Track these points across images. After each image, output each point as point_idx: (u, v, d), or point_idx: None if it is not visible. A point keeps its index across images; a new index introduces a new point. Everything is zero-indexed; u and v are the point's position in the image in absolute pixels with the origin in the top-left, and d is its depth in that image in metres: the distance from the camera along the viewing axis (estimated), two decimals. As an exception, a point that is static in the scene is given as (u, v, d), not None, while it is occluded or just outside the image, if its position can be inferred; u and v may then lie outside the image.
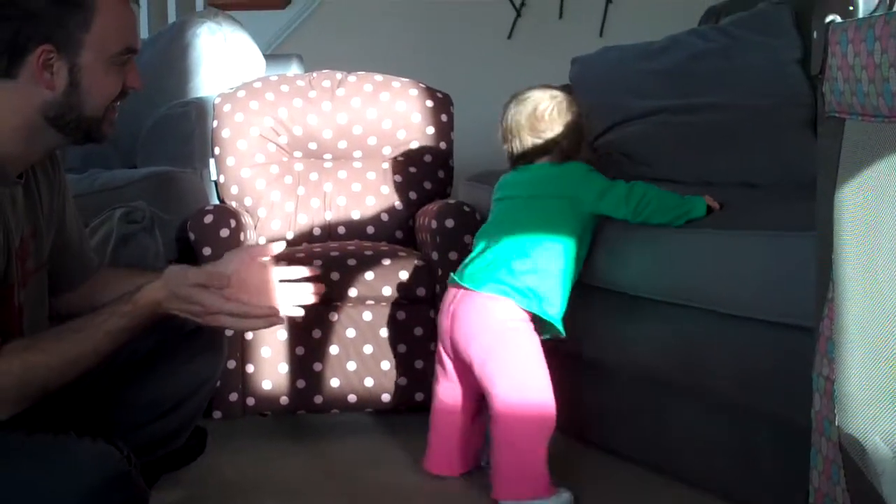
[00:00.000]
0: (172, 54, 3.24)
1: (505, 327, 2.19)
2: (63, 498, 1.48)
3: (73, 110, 1.66)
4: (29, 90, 1.62)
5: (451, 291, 2.26)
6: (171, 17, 4.73)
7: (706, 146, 2.72)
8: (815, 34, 1.49)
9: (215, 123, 3.02)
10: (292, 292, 1.90)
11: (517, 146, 2.36)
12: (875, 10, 1.47)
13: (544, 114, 2.34)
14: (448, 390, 2.30)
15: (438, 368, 2.32)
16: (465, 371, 2.23)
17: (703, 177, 2.65)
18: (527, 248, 2.22)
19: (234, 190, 2.99)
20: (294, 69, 3.58)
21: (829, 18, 1.45)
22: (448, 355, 2.27)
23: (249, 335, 2.62)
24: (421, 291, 2.64)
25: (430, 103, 3.08)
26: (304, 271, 1.97)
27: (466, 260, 2.30)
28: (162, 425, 1.92)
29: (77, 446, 1.53)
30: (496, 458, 2.17)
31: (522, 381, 2.16)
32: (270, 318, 1.82)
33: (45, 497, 1.49)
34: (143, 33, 4.73)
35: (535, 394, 2.16)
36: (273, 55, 3.76)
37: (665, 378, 2.31)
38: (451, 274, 2.29)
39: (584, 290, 2.50)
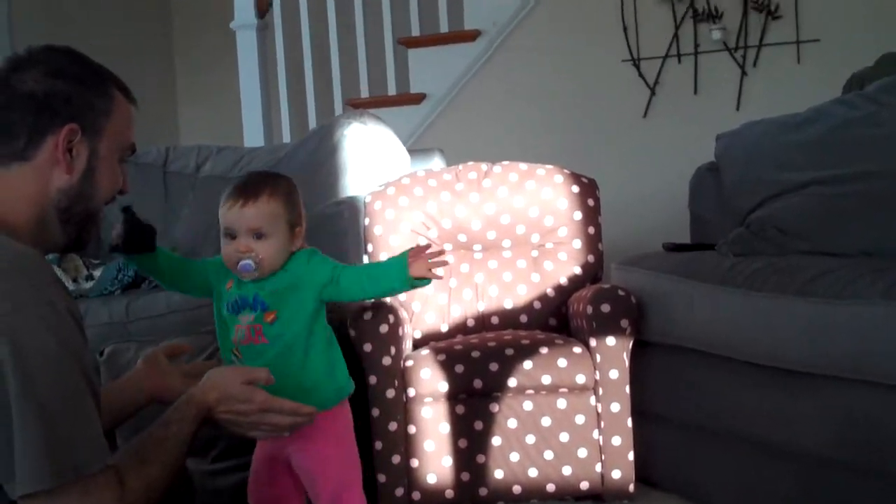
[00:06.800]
0: (321, 155, 3.35)
1: None
2: None
3: (82, 201, 1.60)
4: (44, 173, 1.56)
5: None
6: (312, 121, 4.88)
7: (861, 216, 2.66)
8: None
9: (367, 221, 3.11)
10: None
11: None
12: None
13: None
14: None
15: None
16: None
17: (862, 248, 2.59)
18: None
19: (387, 285, 3.05)
20: (436, 162, 3.66)
21: None
22: None
23: (412, 429, 2.65)
24: (581, 379, 2.64)
25: (575, 188, 3.10)
26: None
27: None
28: None
29: None
30: None
31: None
32: (311, 413, 1.81)
33: None
34: (285, 137, 4.91)
35: None
36: (415, 150, 3.84)
37: (837, 458, 2.24)
38: None
39: (734, 366, 2.46)
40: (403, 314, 2.82)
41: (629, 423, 2.65)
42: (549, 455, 2.64)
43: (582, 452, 2.64)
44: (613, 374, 2.63)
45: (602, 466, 2.65)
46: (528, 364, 2.63)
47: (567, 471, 2.64)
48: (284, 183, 1.96)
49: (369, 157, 3.33)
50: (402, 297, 3.02)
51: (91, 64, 1.64)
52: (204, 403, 1.70)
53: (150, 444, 1.63)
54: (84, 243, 1.67)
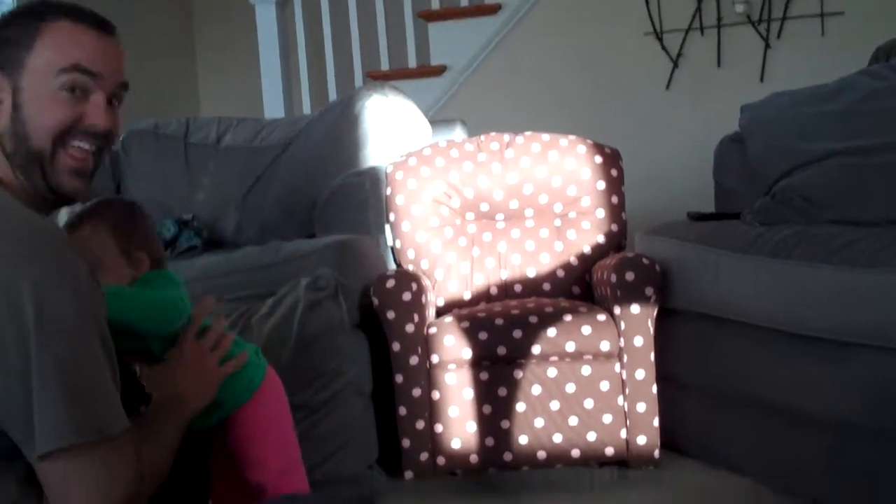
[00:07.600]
0: (343, 127, 3.34)
1: None
2: None
3: (21, 142, 1.50)
4: None
5: None
6: (332, 93, 4.87)
7: (887, 186, 2.65)
8: None
9: (389, 191, 3.10)
10: None
11: None
12: None
13: None
14: None
15: None
16: None
17: (888, 217, 2.58)
18: None
19: (410, 254, 3.05)
20: (458, 133, 3.65)
21: None
22: None
23: (436, 395, 2.66)
24: (605, 346, 2.63)
25: (598, 159, 3.09)
26: None
27: None
28: None
29: None
30: None
31: None
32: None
33: None
34: (305, 111, 4.90)
35: None
36: (437, 121, 3.83)
37: (862, 425, 2.23)
38: None
39: (760, 333, 2.46)
40: (426, 282, 2.82)
41: (654, 389, 2.65)
42: (573, 421, 2.64)
43: (607, 418, 2.64)
44: (638, 341, 2.63)
45: (627, 432, 2.65)
46: (551, 331, 2.63)
47: (592, 436, 2.64)
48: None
49: (390, 128, 3.32)
50: (425, 265, 3.03)
51: (29, 3, 1.56)
52: (179, 402, 1.61)
53: (147, 424, 1.57)
54: (60, 189, 1.54)
